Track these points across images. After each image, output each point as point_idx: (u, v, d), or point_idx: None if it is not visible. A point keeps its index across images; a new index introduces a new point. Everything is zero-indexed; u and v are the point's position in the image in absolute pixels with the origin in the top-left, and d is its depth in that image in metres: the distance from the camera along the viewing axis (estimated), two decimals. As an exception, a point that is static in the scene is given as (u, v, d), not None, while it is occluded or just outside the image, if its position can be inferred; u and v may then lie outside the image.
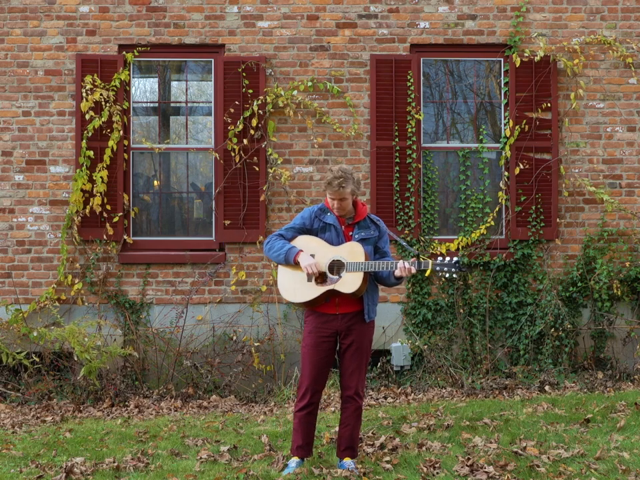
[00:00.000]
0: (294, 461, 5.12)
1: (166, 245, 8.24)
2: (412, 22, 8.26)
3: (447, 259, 5.01)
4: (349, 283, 4.94)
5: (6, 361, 7.47)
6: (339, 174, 4.97)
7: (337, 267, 4.99)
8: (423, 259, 4.98)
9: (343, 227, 5.10)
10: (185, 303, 7.95)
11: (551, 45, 8.24)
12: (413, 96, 8.19)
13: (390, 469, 5.10)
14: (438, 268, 4.97)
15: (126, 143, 8.18)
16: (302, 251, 5.03)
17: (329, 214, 5.12)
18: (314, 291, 5.00)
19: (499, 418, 6.36)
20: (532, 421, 6.26)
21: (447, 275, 5.01)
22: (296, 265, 5.03)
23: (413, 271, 4.92)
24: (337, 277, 4.97)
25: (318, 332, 5.06)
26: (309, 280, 5.02)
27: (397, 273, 4.95)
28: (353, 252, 4.98)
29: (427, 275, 5.12)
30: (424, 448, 5.55)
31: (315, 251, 5.05)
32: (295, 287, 5.07)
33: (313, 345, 5.06)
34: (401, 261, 4.95)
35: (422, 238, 8.18)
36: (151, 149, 8.24)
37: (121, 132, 8.06)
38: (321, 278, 5.00)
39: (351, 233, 5.10)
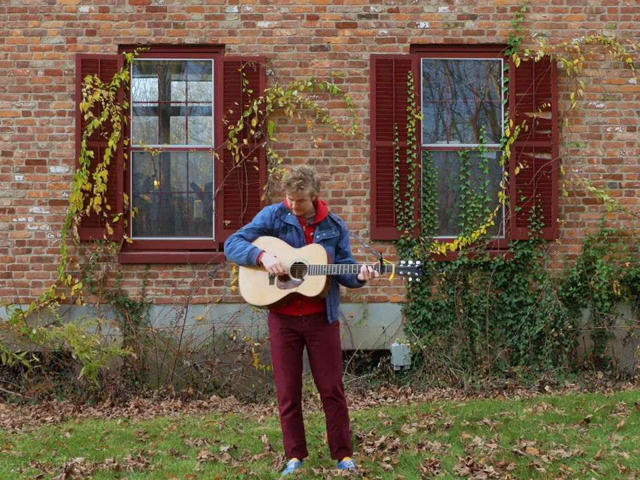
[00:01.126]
0: (293, 462, 5.12)
1: (166, 245, 8.24)
2: (412, 22, 8.26)
3: (410, 262, 4.95)
4: (312, 286, 4.92)
5: (6, 361, 7.46)
6: (298, 175, 4.92)
7: (299, 269, 4.97)
8: (386, 262, 4.95)
9: (303, 227, 5.07)
10: (185, 303, 7.95)
11: (551, 44, 8.25)
12: (412, 96, 8.19)
13: (390, 469, 5.10)
14: (401, 272, 4.93)
15: (126, 142, 8.17)
16: (264, 251, 4.99)
17: (289, 214, 5.08)
18: (276, 293, 4.98)
19: (498, 418, 6.36)
20: (532, 420, 6.26)
21: (410, 279, 4.99)
22: (259, 265, 4.99)
23: (376, 275, 4.91)
24: (300, 279, 4.95)
25: (283, 334, 5.05)
26: (271, 282, 5.00)
27: (360, 277, 4.93)
28: (315, 254, 4.95)
29: (390, 278, 5.10)
30: (424, 448, 5.55)
31: (276, 252, 5.01)
32: (258, 290, 5.03)
33: (282, 347, 5.05)
34: (364, 265, 4.92)
35: (422, 238, 8.18)
36: (151, 150, 8.24)
37: (121, 132, 8.06)
38: (282, 280, 4.98)
39: (312, 234, 5.06)
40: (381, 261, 4.95)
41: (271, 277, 5.00)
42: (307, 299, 4.97)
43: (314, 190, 5.00)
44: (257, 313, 8.03)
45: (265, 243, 5.06)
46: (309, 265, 4.94)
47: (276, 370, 5.10)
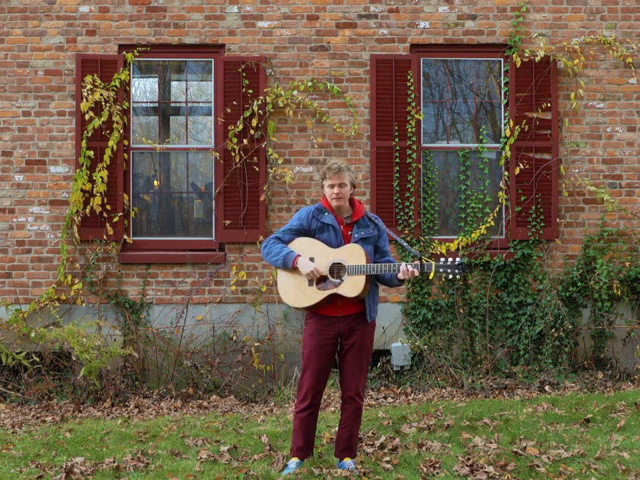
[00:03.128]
0: (293, 462, 5.11)
1: (166, 245, 8.24)
2: (412, 22, 8.26)
3: (449, 260, 4.97)
4: (352, 286, 4.91)
5: (5, 361, 7.46)
6: (336, 161, 5.06)
7: (337, 269, 4.96)
8: (426, 260, 4.95)
9: (341, 226, 5.06)
10: (185, 302, 7.95)
11: (551, 44, 8.25)
12: (412, 96, 8.19)
13: (390, 469, 5.10)
14: (441, 270, 4.94)
15: (126, 143, 8.18)
16: (300, 255, 4.98)
17: (326, 214, 5.07)
18: (316, 295, 4.96)
19: (498, 418, 6.36)
20: (532, 420, 6.26)
21: (450, 276, 5.00)
22: (294, 270, 4.99)
23: (416, 273, 4.89)
24: (339, 280, 4.94)
25: (320, 334, 5.02)
26: (310, 284, 4.98)
27: (400, 276, 4.92)
28: (353, 254, 4.94)
29: (430, 277, 5.10)
30: (424, 448, 5.55)
31: (314, 254, 4.99)
32: (296, 291, 5.02)
33: (315, 348, 5.02)
34: (404, 264, 4.91)
35: (422, 238, 8.18)
36: (152, 149, 8.24)
37: (121, 132, 8.06)
38: (321, 281, 4.97)
39: (350, 233, 5.05)
40: (421, 259, 4.94)
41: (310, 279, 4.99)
42: (347, 299, 4.95)
43: (353, 177, 5.06)
44: (257, 313, 8.03)
45: (302, 245, 5.04)
46: (348, 265, 4.92)
47: (304, 368, 5.07)
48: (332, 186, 5.00)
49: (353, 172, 5.14)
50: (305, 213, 5.12)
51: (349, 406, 5.08)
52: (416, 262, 4.93)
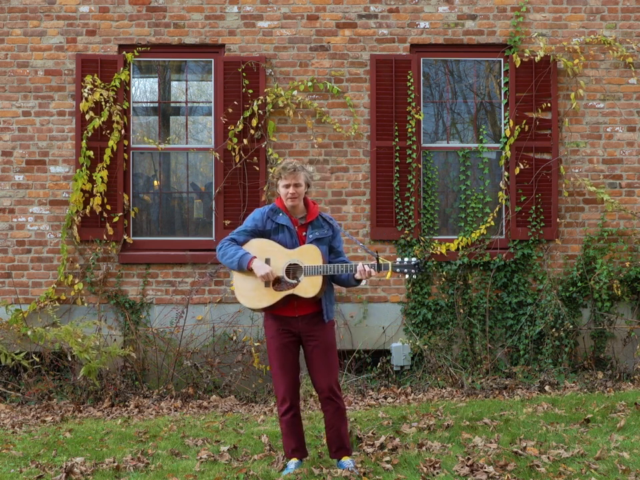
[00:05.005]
0: (293, 462, 5.11)
1: (166, 245, 8.24)
2: (412, 22, 8.26)
3: (406, 259, 4.96)
4: (309, 286, 4.91)
5: (5, 361, 7.46)
6: (290, 161, 5.07)
7: (293, 270, 4.95)
8: (382, 260, 4.95)
9: (296, 227, 5.05)
10: (185, 303, 7.95)
11: (551, 44, 8.25)
12: (412, 96, 8.19)
13: (390, 469, 5.10)
14: (398, 270, 4.93)
15: (126, 143, 8.18)
16: (255, 257, 4.97)
17: (281, 214, 5.06)
18: (272, 296, 4.96)
19: (498, 418, 6.36)
20: (532, 420, 6.26)
21: (407, 276, 5.00)
22: (249, 271, 4.97)
23: (373, 273, 4.90)
24: (295, 281, 4.93)
25: (280, 335, 5.04)
26: (267, 285, 4.97)
27: (357, 276, 4.92)
28: (309, 255, 4.93)
29: (387, 277, 5.10)
30: (424, 448, 5.55)
31: (269, 254, 4.99)
32: (253, 293, 5.00)
33: (278, 348, 5.04)
34: (360, 264, 4.91)
35: (422, 238, 8.18)
36: (153, 149, 8.24)
37: (121, 132, 8.06)
38: (277, 282, 4.96)
39: (304, 233, 5.05)
40: (377, 259, 4.94)
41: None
42: (304, 299, 4.95)
43: (307, 177, 5.04)
44: (257, 314, 8.03)
45: (258, 246, 5.03)
46: (304, 266, 4.92)
47: (274, 372, 5.09)
48: (287, 186, 4.99)
49: (309, 172, 5.10)
50: (259, 213, 5.11)
51: (328, 407, 5.07)
52: (373, 262, 4.94)
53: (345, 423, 5.15)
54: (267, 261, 4.98)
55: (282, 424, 5.12)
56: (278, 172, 5.01)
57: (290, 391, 5.05)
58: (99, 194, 7.99)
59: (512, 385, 7.55)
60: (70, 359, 7.39)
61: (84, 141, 7.98)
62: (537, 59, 8.09)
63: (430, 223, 8.26)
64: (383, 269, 4.92)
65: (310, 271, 4.91)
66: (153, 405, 7.33)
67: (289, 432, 5.10)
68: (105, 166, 8.02)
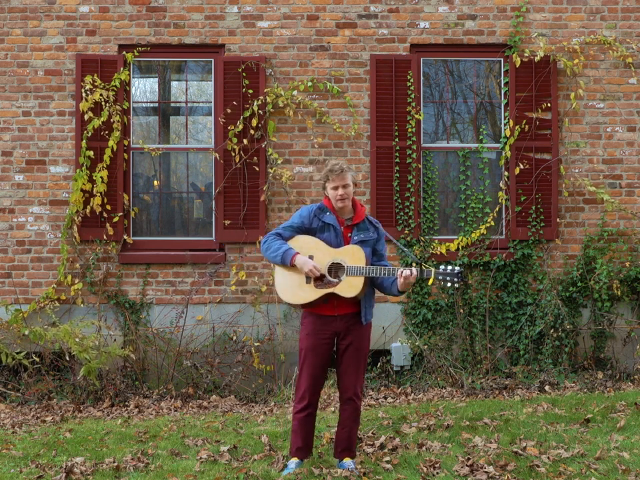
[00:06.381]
0: (293, 462, 5.11)
1: (166, 245, 8.24)
2: (412, 22, 8.26)
3: (449, 267, 4.96)
4: (350, 287, 4.91)
5: (5, 361, 7.46)
6: (337, 162, 5.04)
7: (335, 269, 4.96)
8: (425, 267, 4.95)
9: (342, 227, 5.06)
10: (185, 302, 7.95)
11: (551, 44, 8.25)
12: (412, 96, 8.19)
13: (390, 469, 5.10)
14: (440, 277, 4.94)
15: (126, 142, 8.18)
16: (298, 253, 4.97)
17: (328, 213, 5.07)
18: (313, 293, 4.97)
19: (498, 418, 6.36)
20: (532, 420, 6.26)
21: (449, 284, 4.97)
22: (292, 267, 4.98)
23: (415, 273, 4.88)
24: (337, 280, 4.94)
25: (317, 334, 5.03)
26: (308, 282, 4.98)
27: (401, 280, 4.88)
28: (353, 255, 4.94)
29: (429, 283, 5.09)
30: (424, 448, 5.55)
31: (313, 252, 5.00)
32: (293, 289, 5.02)
33: (312, 347, 5.03)
34: (402, 269, 4.91)
35: (422, 238, 8.18)
36: (153, 150, 8.24)
37: (121, 132, 8.06)
38: (319, 280, 4.97)
39: (349, 235, 5.06)
40: (421, 265, 4.94)
41: (309, 277, 4.99)
42: (343, 299, 4.95)
43: (353, 177, 5.06)
44: (256, 313, 8.03)
45: (302, 242, 5.04)
46: (347, 266, 4.92)
47: (301, 368, 5.07)
48: (336, 188, 5.00)
49: (353, 170, 5.16)
50: (306, 211, 5.11)
51: (347, 407, 5.09)
52: (416, 267, 4.94)
53: (357, 426, 5.16)
54: (310, 258, 4.98)
55: (294, 420, 5.11)
56: (325, 174, 5.01)
57: (311, 390, 5.04)
58: (98, 194, 7.99)
59: (512, 385, 7.55)
60: (69, 358, 7.38)
61: (84, 141, 7.98)
62: (537, 59, 8.09)
63: (430, 222, 8.26)
64: (425, 275, 4.91)
65: (352, 271, 4.91)
66: (153, 405, 7.33)
67: (299, 430, 5.10)
68: (104, 166, 8.02)
